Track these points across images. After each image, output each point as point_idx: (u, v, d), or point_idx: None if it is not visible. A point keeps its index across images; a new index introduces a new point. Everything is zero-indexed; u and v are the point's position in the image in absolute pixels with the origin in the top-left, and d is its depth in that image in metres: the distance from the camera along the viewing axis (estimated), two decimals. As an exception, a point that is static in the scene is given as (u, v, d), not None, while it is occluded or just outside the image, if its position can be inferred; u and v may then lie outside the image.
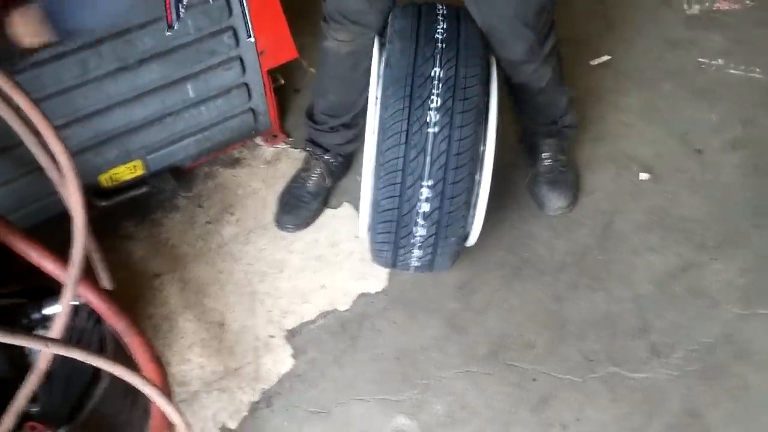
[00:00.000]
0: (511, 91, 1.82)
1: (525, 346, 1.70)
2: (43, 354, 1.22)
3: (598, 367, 1.66)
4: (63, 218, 1.67)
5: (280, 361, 1.68)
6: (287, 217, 1.90)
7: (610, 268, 1.84)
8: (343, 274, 1.83)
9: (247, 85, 1.87)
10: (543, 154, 1.92)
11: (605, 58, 2.34)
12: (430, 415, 1.60)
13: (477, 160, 1.46)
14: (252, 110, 1.95)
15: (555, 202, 1.90)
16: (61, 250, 1.40)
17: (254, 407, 1.61)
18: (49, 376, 1.32)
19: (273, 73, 1.94)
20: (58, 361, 1.35)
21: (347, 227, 1.91)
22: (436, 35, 1.43)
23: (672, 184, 2.01)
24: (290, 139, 2.10)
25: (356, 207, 1.93)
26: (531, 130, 1.95)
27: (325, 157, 1.91)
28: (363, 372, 1.66)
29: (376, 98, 1.49)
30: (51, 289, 1.47)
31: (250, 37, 1.75)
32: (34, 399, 1.30)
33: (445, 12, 1.48)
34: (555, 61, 1.71)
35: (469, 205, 1.49)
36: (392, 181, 1.42)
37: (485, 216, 1.83)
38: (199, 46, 1.70)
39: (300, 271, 1.83)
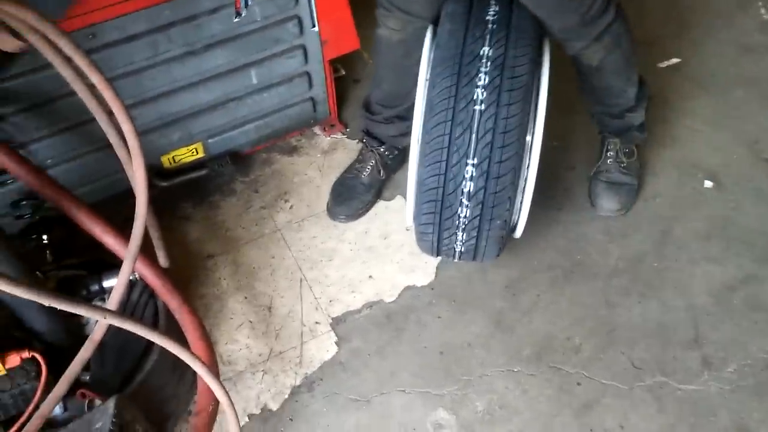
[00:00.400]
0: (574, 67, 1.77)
1: (571, 349, 1.68)
2: (100, 324, 1.28)
3: (646, 376, 1.63)
4: (125, 197, 1.74)
5: (324, 348, 1.70)
6: (340, 207, 1.92)
7: (666, 276, 1.79)
8: (392, 266, 1.84)
9: (308, 73, 1.90)
10: (607, 152, 1.90)
11: (675, 60, 2.27)
12: (470, 411, 1.59)
13: (524, 141, 1.45)
14: (312, 99, 1.98)
15: (606, 203, 1.88)
16: (122, 226, 1.46)
17: (296, 391, 1.64)
18: (102, 346, 1.37)
19: (334, 63, 1.97)
20: (112, 332, 1.40)
21: (399, 220, 1.92)
22: (488, 17, 1.44)
23: (737, 193, 1.93)
24: (347, 129, 2.12)
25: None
26: (599, 120, 1.90)
27: (380, 149, 1.92)
28: (405, 364, 1.67)
29: (426, 80, 1.50)
30: (110, 263, 1.54)
31: (314, 26, 1.78)
32: (86, 368, 1.36)
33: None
34: (613, 43, 1.61)
35: (515, 187, 1.47)
36: (437, 159, 1.42)
37: (539, 217, 1.81)
38: (265, 33, 1.72)
39: (349, 260, 1.85)
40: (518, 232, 1.62)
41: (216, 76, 1.75)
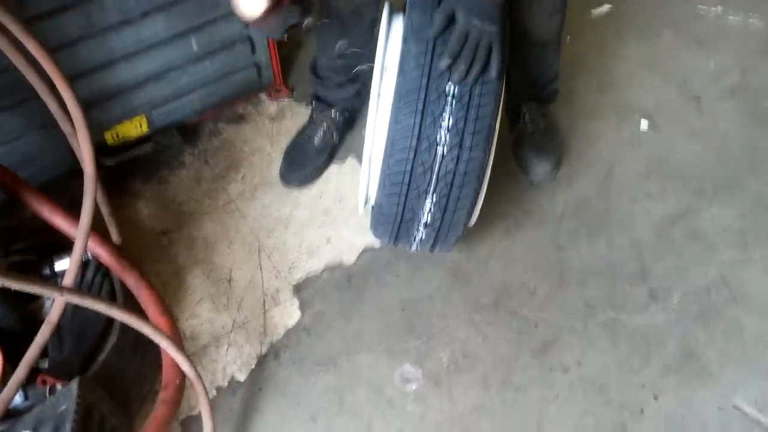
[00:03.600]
0: (510, 56, 1.80)
1: (527, 294, 1.74)
2: (56, 303, 1.24)
3: (599, 313, 1.71)
4: (68, 178, 1.70)
5: (287, 315, 1.71)
6: (293, 174, 1.91)
7: (610, 215, 1.87)
8: (349, 228, 1.85)
9: (250, 38, 1.86)
10: (525, 117, 1.90)
11: (606, 8, 2.34)
12: (435, 363, 1.64)
13: (482, 176, 1.44)
14: (255, 64, 1.94)
15: (539, 167, 1.88)
16: (69, 207, 1.42)
17: (262, 360, 1.64)
18: (60, 330, 1.34)
19: (275, 27, 1.94)
20: (69, 315, 1.37)
21: (352, 181, 1.92)
22: None
23: (671, 132, 2.03)
24: (294, 93, 2.10)
25: (361, 162, 1.95)
26: (514, 93, 1.92)
27: (331, 112, 1.91)
28: (369, 324, 1.70)
29: (378, 95, 1.43)
30: (61, 246, 1.50)
31: (253, -12, 1.74)
32: (44, 354, 1.32)
33: None
34: (564, 17, 1.68)
35: (471, 213, 1.49)
36: (397, 191, 1.41)
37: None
38: (203, -3, 1.68)
39: (306, 225, 1.86)
40: (473, 221, 1.63)
41: (155, 44, 1.70)
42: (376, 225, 1.54)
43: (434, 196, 1.40)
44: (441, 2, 1.34)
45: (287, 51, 2.16)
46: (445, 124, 1.33)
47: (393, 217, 1.47)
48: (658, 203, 1.89)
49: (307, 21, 1.32)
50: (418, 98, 1.33)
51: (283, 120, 2.06)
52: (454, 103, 1.32)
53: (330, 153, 1.95)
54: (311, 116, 1.95)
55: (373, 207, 1.54)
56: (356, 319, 1.70)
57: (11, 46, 1.01)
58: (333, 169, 1.96)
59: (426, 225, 1.46)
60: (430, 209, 1.43)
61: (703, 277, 1.76)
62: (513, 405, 1.58)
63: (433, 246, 1.55)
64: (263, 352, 1.65)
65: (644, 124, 2.04)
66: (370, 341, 1.67)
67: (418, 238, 1.51)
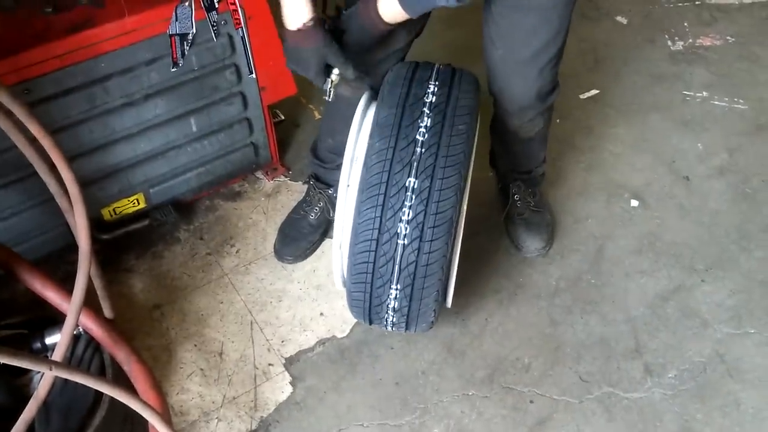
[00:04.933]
0: (495, 141, 1.87)
1: (521, 368, 1.72)
2: (45, 378, 1.24)
3: (594, 388, 1.68)
4: (63, 253, 1.72)
5: (278, 389, 1.69)
6: (287, 248, 1.93)
7: (604, 291, 1.87)
8: (342, 301, 1.85)
9: (248, 119, 1.92)
10: (514, 196, 1.95)
11: (594, 92, 2.42)
12: (428, 439, 1.61)
13: (447, 265, 1.45)
14: (253, 144, 2.00)
15: (531, 244, 1.92)
16: (63, 282, 1.43)
17: (252, 436, 1.61)
18: (48, 406, 1.32)
19: (273, 109, 2.01)
20: (57, 390, 1.36)
21: (345, 256, 1.95)
22: (417, 135, 1.37)
23: (661, 209, 2.06)
24: (290, 172, 2.16)
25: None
26: (502, 175, 1.99)
27: (329, 191, 1.94)
28: (362, 398, 1.67)
29: (348, 172, 1.47)
30: (52, 320, 1.51)
31: (251, 73, 1.82)
32: (31, 429, 1.30)
33: (433, 101, 1.40)
34: (550, 116, 1.76)
35: (441, 298, 1.50)
36: (362, 280, 1.43)
37: (482, 243, 1.87)
38: (203, 81, 1.75)
39: (299, 300, 1.86)
40: (448, 303, 1.63)
41: (155, 125, 1.75)
42: (350, 307, 1.56)
43: (398, 284, 1.41)
44: (408, 98, 1.40)
45: (284, 131, 2.23)
46: (405, 217, 1.36)
47: (362, 302, 1.49)
48: (651, 279, 1.89)
49: (348, 72, 1.34)
50: (378, 192, 1.36)
51: (278, 197, 2.10)
52: (413, 197, 1.35)
53: (325, 229, 1.98)
54: (308, 193, 1.98)
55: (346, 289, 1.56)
56: (349, 393, 1.68)
57: (15, 128, 1.05)
58: (327, 245, 1.98)
59: (395, 310, 1.47)
60: (396, 296, 1.44)
61: (699, 352, 1.74)
62: (507, 486, 1.54)
63: (406, 328, 1.55)
64: (253, 427, 1.63)
65: (634, 202, 2.08)
66: (362, 416, 1.64)
67: (389, 321, 1.52)
